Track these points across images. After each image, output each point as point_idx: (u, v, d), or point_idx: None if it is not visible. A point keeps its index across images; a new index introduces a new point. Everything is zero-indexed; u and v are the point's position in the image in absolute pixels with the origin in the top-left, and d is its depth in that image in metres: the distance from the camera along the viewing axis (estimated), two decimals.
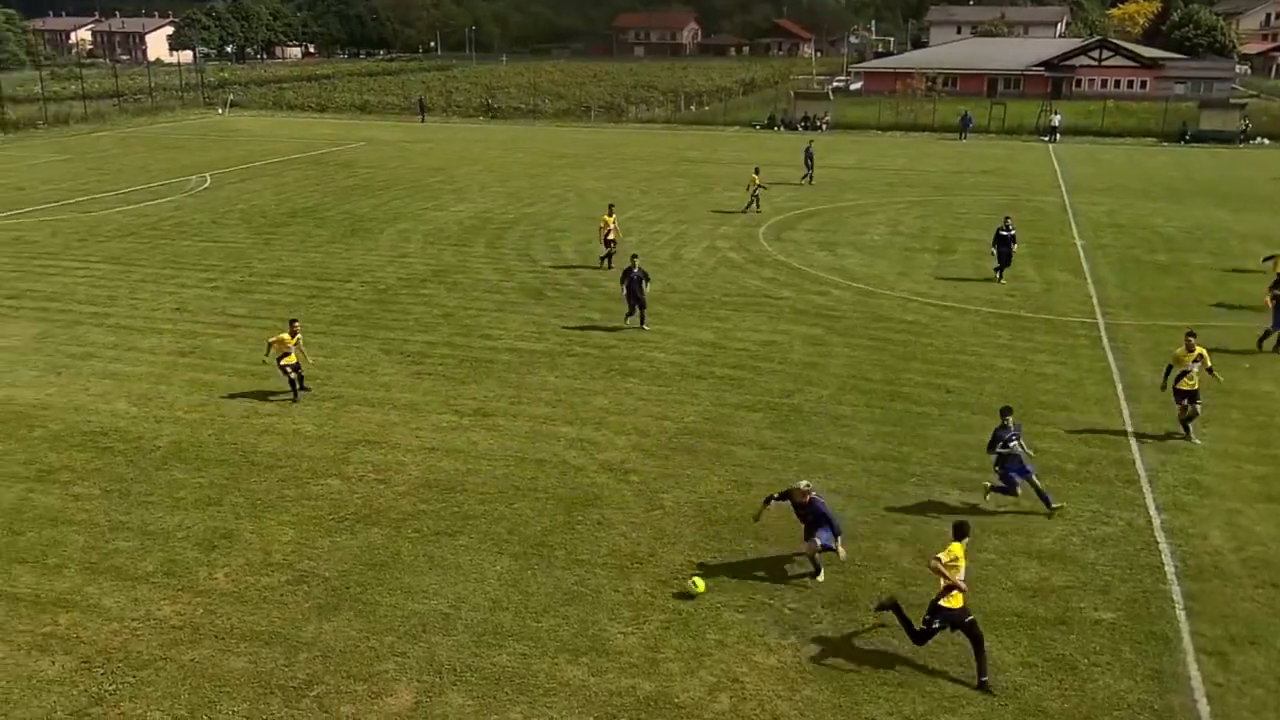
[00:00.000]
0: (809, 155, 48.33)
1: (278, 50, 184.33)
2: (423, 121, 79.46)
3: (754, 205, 41.19)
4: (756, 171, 41.89)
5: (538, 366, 23.21)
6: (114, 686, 12.25)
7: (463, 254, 34.25)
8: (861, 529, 15.91)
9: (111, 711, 11.82)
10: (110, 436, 19.35)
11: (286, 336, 20.94)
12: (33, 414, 20.43)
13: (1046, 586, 14.42)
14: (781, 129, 73.09)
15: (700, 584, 14.19)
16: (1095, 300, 28.70)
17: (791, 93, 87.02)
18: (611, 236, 31.48)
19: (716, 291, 29.45)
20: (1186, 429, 19.27)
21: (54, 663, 12.68)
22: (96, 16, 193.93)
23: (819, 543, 14.37)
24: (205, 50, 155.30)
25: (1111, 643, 13.16)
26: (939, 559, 12.27)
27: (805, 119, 73.82)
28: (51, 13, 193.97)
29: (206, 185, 48.39)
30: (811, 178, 48.06)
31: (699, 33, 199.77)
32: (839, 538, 14.42)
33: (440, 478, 17.70)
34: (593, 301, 28.37)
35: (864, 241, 36.12)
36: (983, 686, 12.22)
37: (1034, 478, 16.32)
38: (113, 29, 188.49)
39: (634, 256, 26.31)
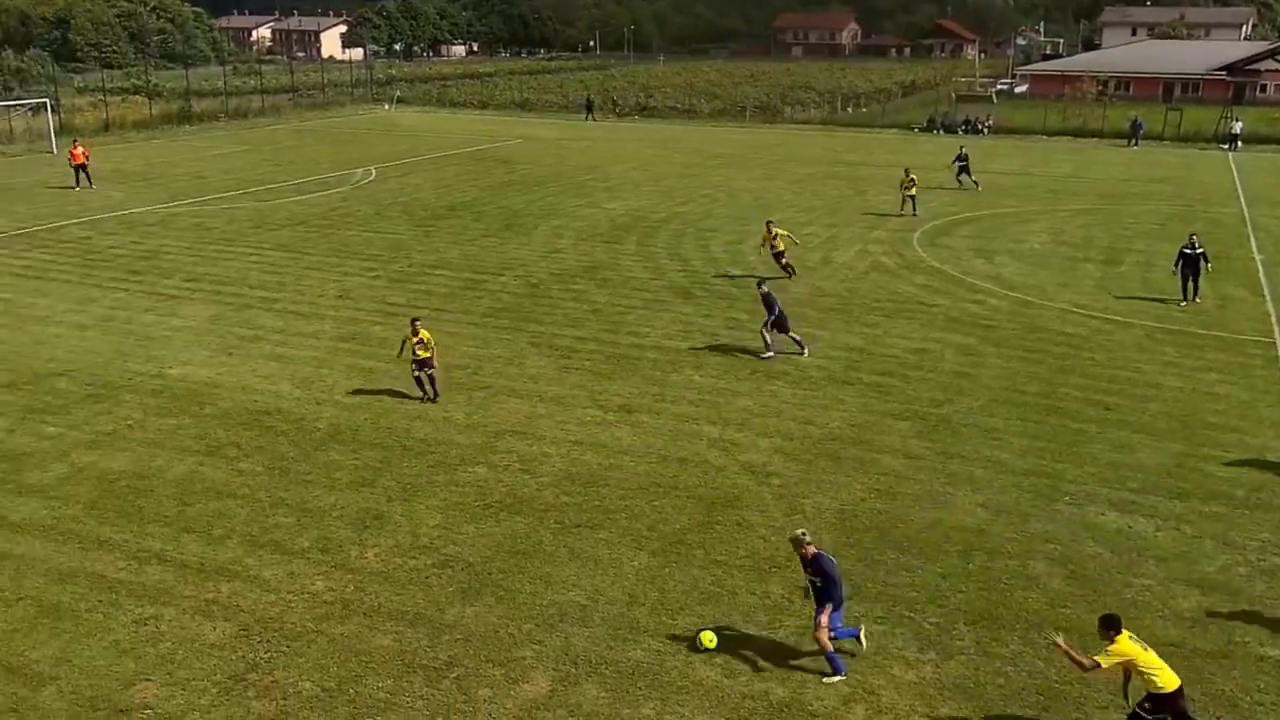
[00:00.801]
0: (962, 159, 47.03)
1: (443, 49, 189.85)
2: (589, 120, 79.91)
3: (909, 208, 40.40)
4: (907, 173, 41.04)
5: (683, 365, 23.29)
6: (268, 654, 12.84)
7: (613, 251, 34.62)
8: (1009, 546, 15.44)
9: (265, 678, 12.39)
10: (274, 416, 20.29)
11: (409, 335, 20.87)
12: (205, 392, 21.58)
13: (1208, 617, 13.71)
14: (941, 132, 71.41)
15: (710, 639, 12.89)
16: (1274, 319, 27.11)
17: (953, 95, 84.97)
18: (779, 248, 30.17)
19: (867, 296, 28.99)
20: None
21: (215, 628, 13.37)
22: (276, 15, 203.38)
23: (832, 631, 12.29)
24: (375, 48, 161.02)
25: (1277, 681, 12.42)
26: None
27: (966, 122, 71.95)
28: (236, 11, 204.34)
29: (372, 178, 50.21)
30: (960, 182, 46.62)
31: (859, 33, 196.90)
32: (839, 612, 12.40)
33: (583, 471, 17.95)
34: (740, 302, 28.29)
35: (1023, 250, 34.99)
36: None
37: None
38: (290, 27, 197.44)
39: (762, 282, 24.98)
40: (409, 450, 18.75)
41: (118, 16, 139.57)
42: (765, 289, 24.00)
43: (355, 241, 35.81)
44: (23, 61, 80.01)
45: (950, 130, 71.33)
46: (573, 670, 12.56)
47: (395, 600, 14.01)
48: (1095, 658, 10.76)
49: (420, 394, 21.01)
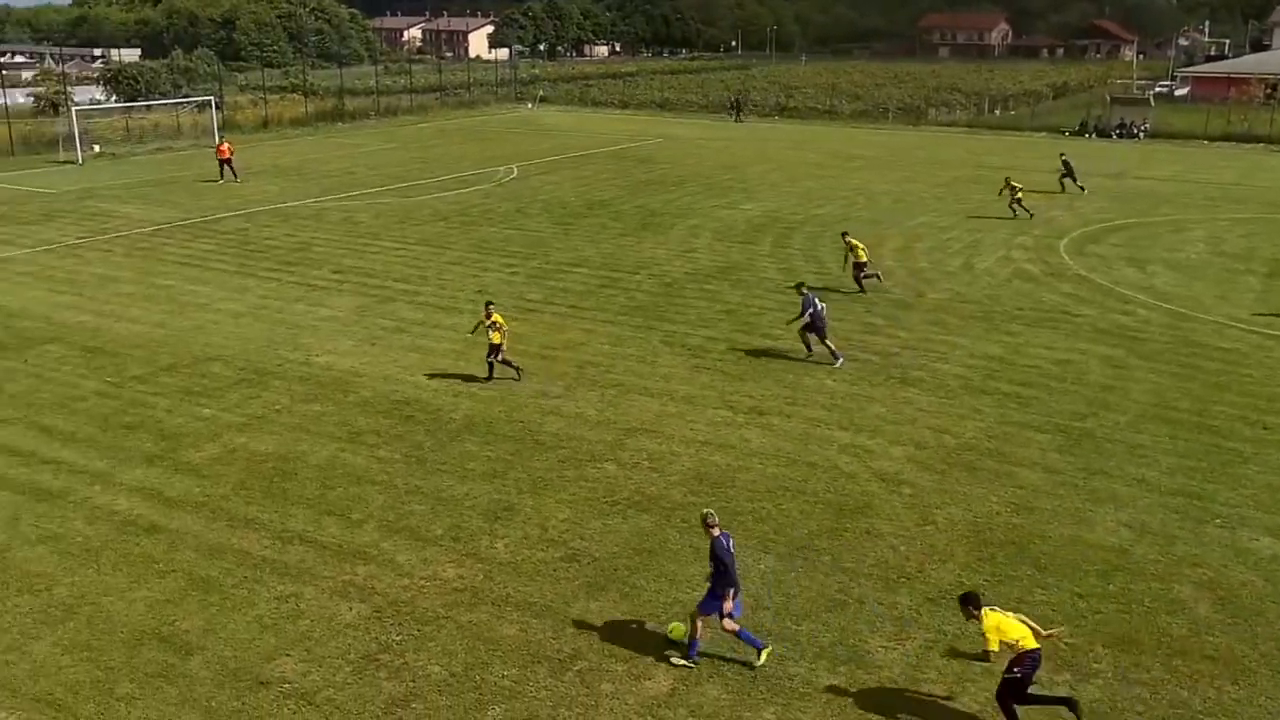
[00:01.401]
0: (1067, 165, 45.26)
1: (586, 48, 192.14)
2: (737, 121, 79.38)
3: (1020, 211, 39.43)
4: (1007, 181, 40.27)
5: (815, 369, 23.04)
6: (400, 637, 13.23)
7: (749, 252, 34.48)
8: (1152, 568, 14.80)
9: (396, 660, 12.77)
10: (412, 406, 20.87)
11: (484, 317, 21.65)
12: (348, 380, 22.34)
13: None
14: (1093, 136, 68.86)
15: (678, 630, 12.89)
16: None
17: (1107, 97, 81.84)
18: (861, 259, 28.83)
19: (1009, 304, 28.16)
20: None
21: (351, 609, 13.84)
22: (427, 16, 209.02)
23: (727, 621, 12.32)
24: (520, 48, 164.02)
25: None
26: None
27: (1121, 125, 69.20)
28: (389, 12, 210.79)
29: (513, 176, 51.16)
30: (1064, 188, 45.04)
31: (1009, 34, 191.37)
32: (733, 601, 12.26)
33: (711, 471, 17.94)
34: (876, 307, 27.84)
35: (1178, 259, 33.47)
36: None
37: None
38: (439, 28, 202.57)
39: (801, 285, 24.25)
40: (540, 444, 19.05)
41: (279, 17, 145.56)
42: (805, 290, 23.30)
43: (495, 238, 36.55)
44: (191, 61, 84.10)
45: (1104, 134, 68.74)
46: (694, 670, 12.56)
47: (523, 591, 14.25)
48: (985, 648, 11.18)
49: (510, 374, 21.93)
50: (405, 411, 20.61)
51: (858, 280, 28.90)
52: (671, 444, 19.08)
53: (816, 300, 23.19)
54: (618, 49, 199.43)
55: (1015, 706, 11.33)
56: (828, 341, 23.20)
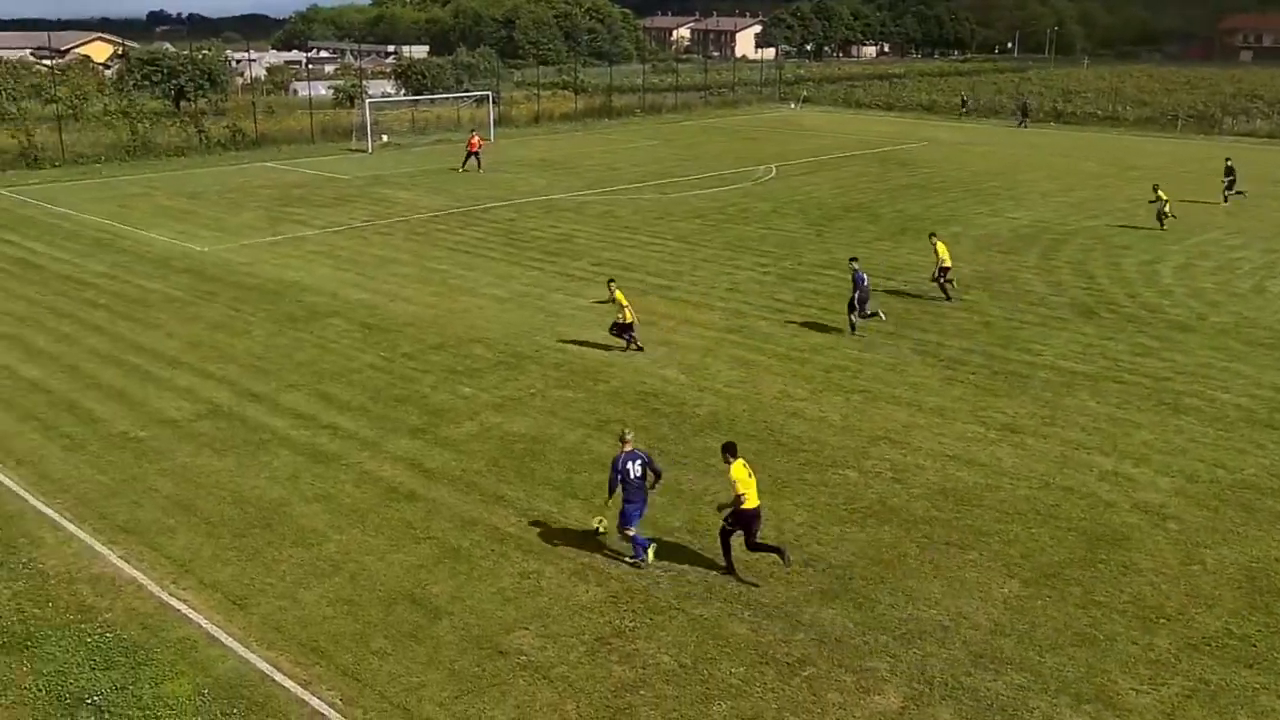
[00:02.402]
0: (1229, 173, 42.97)
1: (853, 49, 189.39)
2: (1022, 126, 76.02)
3: (1164, 222, 37.65)
4: (1156, 189, 38.66)
5: (1078, 389, 21.83)
6: (633, 623, 13.51)
7: (1012, 262, 33.05)
8: None
9: (628, 645, 13.05)
10: (659, 399, 21.25)
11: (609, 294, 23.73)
12: (599, 369, 23.00)
13: None
14: None
15: (600, 522, 15.16)
16: None
17: None
18: (945, 262, 27.77)
19: None
20: None
21: (588, 591, 14.26)
22: (696, 16, 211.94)
23: (629, 529, 14.56)
24: (786, 48, 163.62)
25: None
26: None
27: None
28: (659, 12, 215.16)
29: (772, 176, 51.14)
30: (1226, 196, 42.73)
31: None
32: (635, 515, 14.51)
33: (957, 487, 17.33)
34: (1150, 327, 26.08)
35: None
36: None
37: None
38: (708, 27, 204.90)
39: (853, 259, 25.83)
40: (782, 446, 18.97)
41: (556, 17, 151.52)
42: (856, 266, 25.06)
43: (750, 237, 36.66)
44: (473, 58, 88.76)
45: None
46: (926, 690, 12.19)
47: (755, 591, 14.25)
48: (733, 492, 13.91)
49: (623, 345, 23.89)
50: (651, 404, 21.01)
51: (938, 283, 28.39)
52: (917, 456, 18.57)
53: (865, 278, 25.09)
54: (886, 50, 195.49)
55: (730, 544, 14.44)
56: (868, 309, 25.32)
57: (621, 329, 23.83)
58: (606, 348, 24.29)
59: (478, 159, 51.84)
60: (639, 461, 14.53)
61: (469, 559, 15.05)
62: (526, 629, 13.37)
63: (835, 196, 45.12)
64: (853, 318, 25.19)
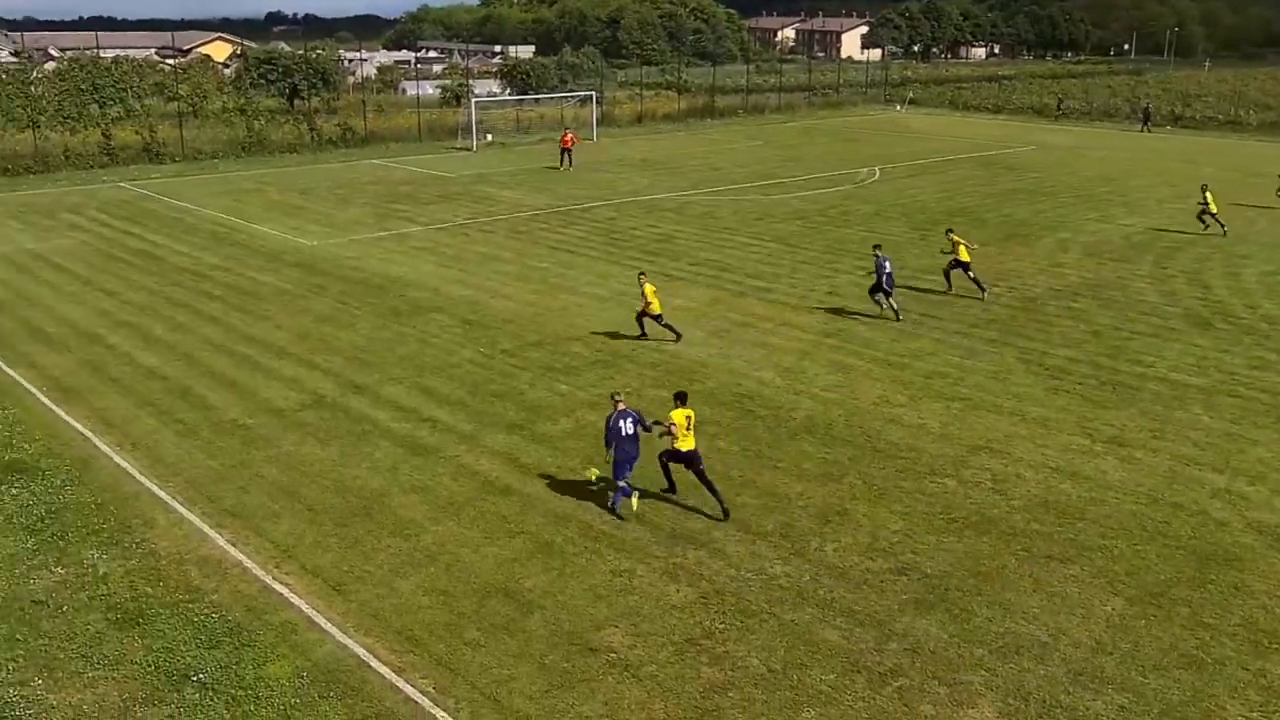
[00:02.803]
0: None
1: (962, 50, 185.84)
2: (1145, 130, 73.71)
3: (1212, 225, 37.36)
4: (1205, 189, 37.96)
5: (1190, 402, 21.10)
6: (723, 625, 13.47)
7: (1123, 271, 32.09)
8: None
9: (718, 647, 13.02)
10: (754, 401, 21.15)
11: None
12: (695, 369, 22.99)
13: None
14: None
15: (593, 473, 16.85)
16: None
17: None
18: (963, 258, 28.24)
19: None
20: None
21: (679, 591, 14.26)
22: (802, 16, 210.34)
23: (620, 483, 16.10)
24: (893, 49, 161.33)
25: None
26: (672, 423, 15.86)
27: None
28: (765, 12, 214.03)
29: (875, 178, 50.49)
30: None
31: None
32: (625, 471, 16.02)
33: (1060, 500, 16.89)
34: (1270, 340, 25.08)
35: None
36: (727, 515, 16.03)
37: None
38: (813, 28, 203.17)
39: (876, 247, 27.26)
40: (879, 452, 18.72)
41: (660, 17, 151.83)
42: (880, 253, 26.38)
43: (850, 240, 36.25)
44: (577, 58, 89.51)
45: None
46: (1022, 707, 11.91)
47: (848, 598, 14.09)
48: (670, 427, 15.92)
49: (640, 332, 25.05)
50: (746, 405, 20.92)
51: (946, 276, 29.10)
52: (1019, 466, 18.15)
53: (887, 263, 26.22)
54: (996, 51, 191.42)
55: (669, 469, 16.57)
56: (891, 301, 26.45)
57: (648, 317, 24.90)
58: (703, 348, 24.27)
59: (569, 156, 52.55)
60: (630, 419, 16.12)
61: (562, 554, 15.18)
62: (616, 627, 13.43)
63: (939, 200, 44.36)
64: (891, 303, 26.49)
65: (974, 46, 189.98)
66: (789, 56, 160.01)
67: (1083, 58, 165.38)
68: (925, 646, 13.02)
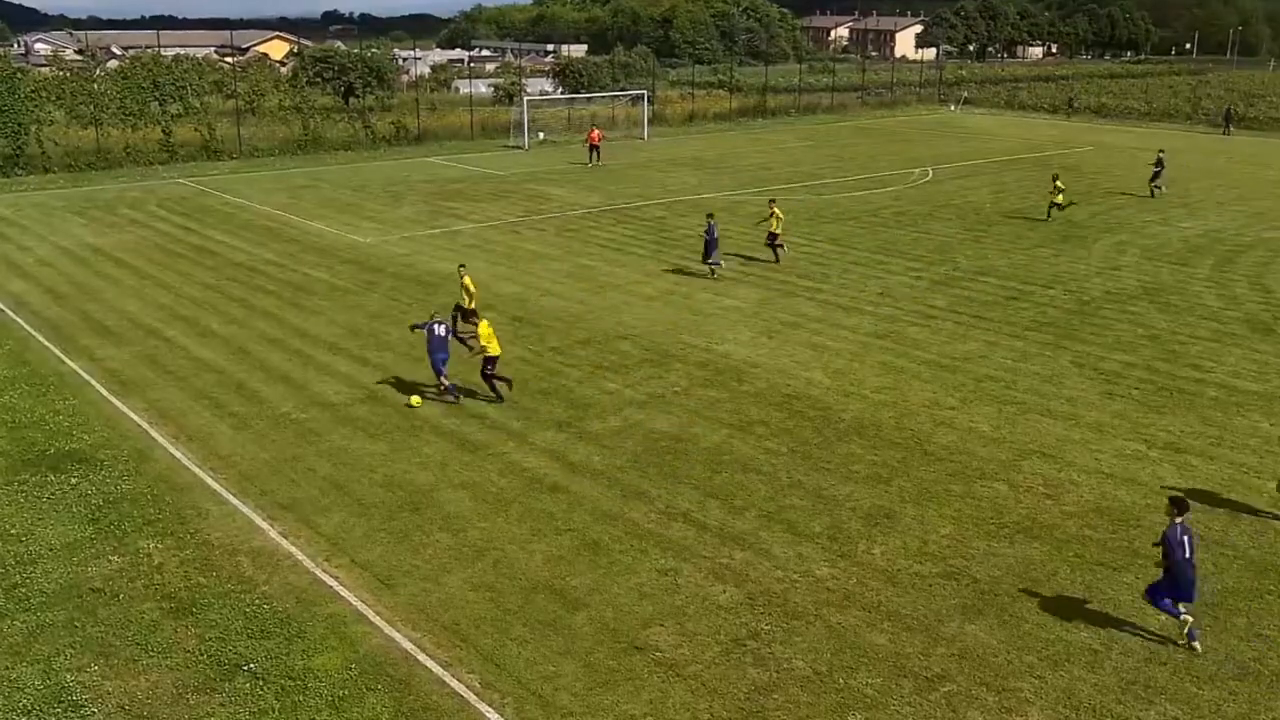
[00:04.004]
0: (1158, 164, 45.20)
1: (1019, 50, 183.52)
2: (1226, 134, 72.02)
3: (1051, 214, 39.45)
4: (1055, 178, 40.00)
5: (1250, 409, 20.67)
6: (769, 627, 13.42)
7: (1183, 274, 31.52)
8: None
9: (764, 648, 12.97)
10: (802, 402, 21.04)
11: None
12: (744, 370, 22.93)
13: None
14: None
15: (416, 400, 20.48)
16: None
17: None
18: (774, 229, 31.62)
19: None
20: None
21: (725, 591, 14.23)
22: (856, 15, 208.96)
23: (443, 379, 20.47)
24: (948, 48, 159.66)
25: None
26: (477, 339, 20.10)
27: None
28: (819, 11, 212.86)
29: (928, 179, 50.02)
30: (1152, 192, 44.79)
31: None
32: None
33: (1114, 506, 16.63)
34: None
35: None
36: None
37: None
38: (867, 27, 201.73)
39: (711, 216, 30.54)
40: (929, 455, 18.55)
41: (713, 16, 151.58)
42: (711, 221, 29.99)
43: (903, 241, 35.95)
44: (629, 57, 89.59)
45: None
46: (1072, 716, 11.74)
47: (896, 602, 13.98)
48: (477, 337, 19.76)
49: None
50: (795, 406, 20.82)
51: (771, 246, 32.03)
52: (1071, 471, 17.90)
53: (715, 229, 29.92)
54: (1053, 50, 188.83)
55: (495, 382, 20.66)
56: (710, 261, 30.00)
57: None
58: (752, 348, 24.20)
59: (597, 152, 53.70)
60: (442, 326, 20.56)
61: (608, 553, 15.21)
62: (662, 626, 13.43)
63: (994, 201, 43.84)
64: (710, 263, 29.91)
65: (1031, 46, 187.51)
66: (842, 56, 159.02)
67: (1143, 58, 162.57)
68: (974, 652, 12.88)
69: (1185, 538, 12.78)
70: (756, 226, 33.80)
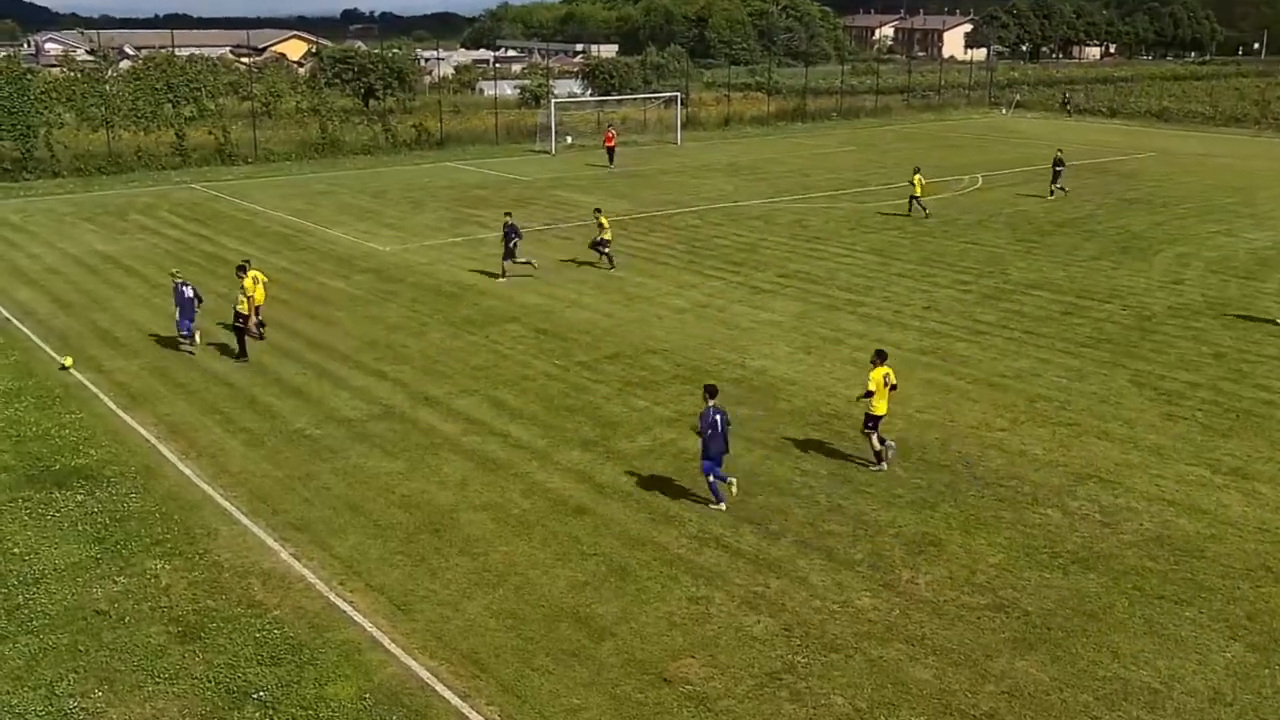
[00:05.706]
0: (1058, 164, 46.41)
1: (1075, 50, 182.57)
2: None
3: (917, 210, 41.28)
4: (917, 171, 41.54)
5: None
6: (806, 660, 13.35)
7: (1251, 289, 31.18)
8: None
9: (800, 683, 12.90)
10: (843, 421, 20.95)
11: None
12: (781, 386, 22.87)
13: None
14: None
15: (69, 360, 22.22)
16: None
17: None
18: (605, 236, 32.97)
19: None
20: None
21: (759, 622, 14.16)
22: (901, 14, 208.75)
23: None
24: (999, 49, 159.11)
25: None
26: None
27: None
28: (862, 10, 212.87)
29: (977, 186, 49.82)
30: (1052, 192, 46.07)
31: None
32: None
33: (1175, 535, 16.44)
34: None
35: None
36: None
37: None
38: (914, 26, 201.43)
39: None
40: (977, 479, 18.42)
41: (750, 15, 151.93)
42: (509, 220, 31.30)
43: (950, 251, 35.79)
44: (662, 58, 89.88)
45: None
46: None
47: (941, 635, 13.86)
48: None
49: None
50: (834, 426, 20.74)
51: (596, 249, 33.09)
52: (1130, 498, 17.71)
53: (517, 229, 31.30)
54: (1111, 50, 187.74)
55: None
56: (510, 262, 31.25)
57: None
58: (789, 364, 24.14)
59: (611, 154, 55.37)
60: (189, 287, 24.52)
61: (636, 579, 15.19)
62: (693, 657, 13.39)
63: (1047, 210, 43.59)
64: (508, 264, 31.17)
65: (1088, 46, 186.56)
66: (887, 56, 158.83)
67: (1208, 58, 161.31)
68: (1025, 689, 12.75)
69: (717, 417, 16.91)
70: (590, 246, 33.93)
